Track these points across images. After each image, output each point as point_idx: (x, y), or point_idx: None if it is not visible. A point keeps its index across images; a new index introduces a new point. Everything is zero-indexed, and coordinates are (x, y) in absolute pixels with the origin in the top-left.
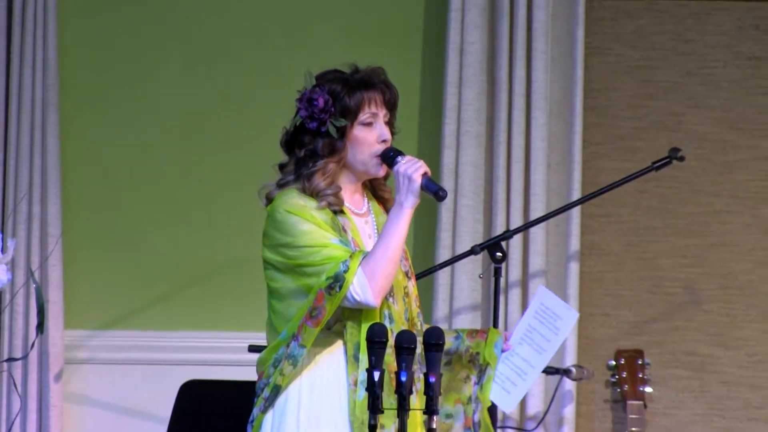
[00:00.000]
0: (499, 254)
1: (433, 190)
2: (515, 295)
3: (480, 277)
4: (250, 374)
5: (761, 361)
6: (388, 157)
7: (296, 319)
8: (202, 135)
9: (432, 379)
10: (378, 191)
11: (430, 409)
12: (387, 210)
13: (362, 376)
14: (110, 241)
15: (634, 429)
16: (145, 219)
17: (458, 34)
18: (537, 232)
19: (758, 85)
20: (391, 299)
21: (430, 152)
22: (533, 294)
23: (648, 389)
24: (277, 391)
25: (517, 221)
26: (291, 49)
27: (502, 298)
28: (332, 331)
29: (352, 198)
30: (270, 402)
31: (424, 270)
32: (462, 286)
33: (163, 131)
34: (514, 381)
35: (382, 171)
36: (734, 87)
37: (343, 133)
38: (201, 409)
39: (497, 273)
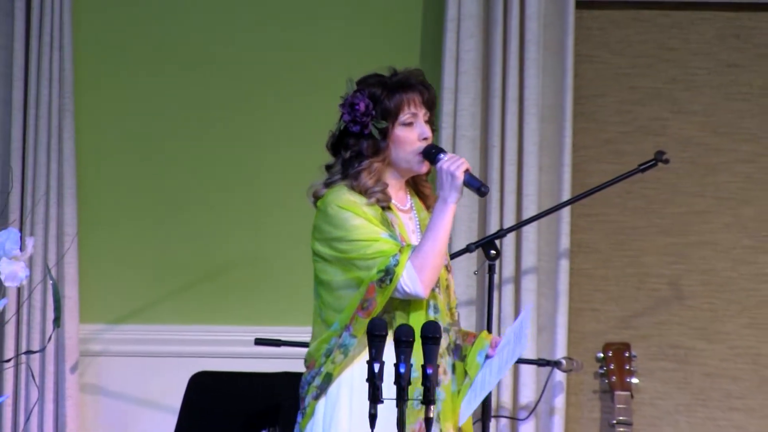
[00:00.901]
0: (493, 252)
1: (475, 186)
2: (508, 291)
3: (475, 273)
4: (256, 366)
5: (741, 354)
6: (430, 154)
7: (348, 310)
8: (210, 139)
9: (429, 371)
10: (419, 187)
11: (427, 399)
12: (427, 206)
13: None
14: (123, 240)
15: (621, 418)
16: (157, 219)
17: (454, 43)
18: (529, 231)
19: (738, 92)
20: (437, 290)
21: None
22: (525, 300)
23: (634, 380)
24: (329, 379)
25: (510, 220)
26: (294, 53)
27: (495, 294)
28: None
29: (397, 195)
30: (322, 389)
31: None
32: (458, 282)
33: (173, 136)
34: (476, 393)
35: (424, 167)
36: (716, 93)
37: (385, 133)
38: (209, 399)
39: (491, 270)
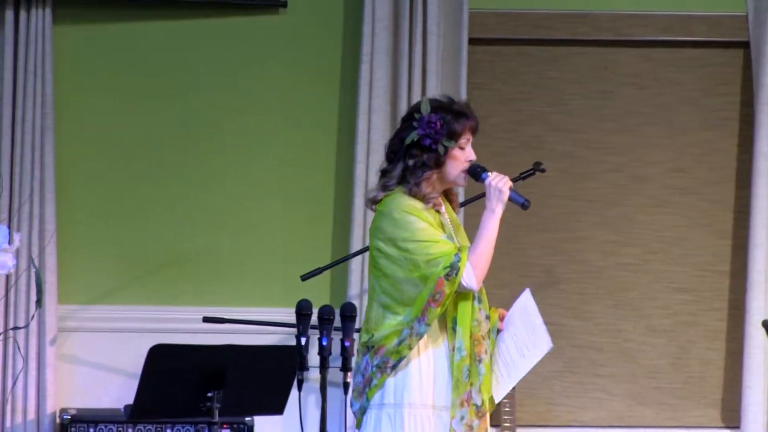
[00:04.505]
0: None
1: (520, 202)
2: None
3: None
4: (204, 339)
5: (606, 330)
6: (476, 173)
7: (419, 304)
8: (173, 148)
9: (347, 344)
10: (448, 192)
11: (345, 367)
12: (453, 209)
13: (458, 343)
14: (95, 235)
15: None
16: (124, 219)
17: (368, 73)
18: None
19: (606, 114)
20: (482, 284)
21: (345, 161)
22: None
23: None
24: (403, 359)
25: None
26: (241, 79)
27: None
28: None
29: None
30: (394, 367)
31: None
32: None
33: (140, 147)
34: (502, 373)
35: (464, 182)
36: (587, 115)
37: (446, 151)
38: (166, 367)
39: None
